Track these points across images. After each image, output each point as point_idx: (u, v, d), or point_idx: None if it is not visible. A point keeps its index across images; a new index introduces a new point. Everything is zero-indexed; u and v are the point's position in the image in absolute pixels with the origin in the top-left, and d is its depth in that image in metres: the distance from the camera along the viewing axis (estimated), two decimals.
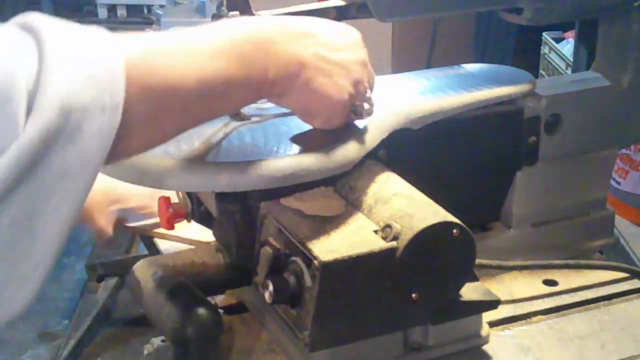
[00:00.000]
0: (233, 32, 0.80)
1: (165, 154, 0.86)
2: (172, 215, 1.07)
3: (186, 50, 0.75)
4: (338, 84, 0.87)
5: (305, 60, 0.85)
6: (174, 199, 1.08)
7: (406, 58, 3.01)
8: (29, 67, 0.62)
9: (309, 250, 0.84)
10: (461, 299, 0.92)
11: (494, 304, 0.95)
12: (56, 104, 0.62)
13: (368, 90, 0.92)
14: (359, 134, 0.93)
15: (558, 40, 2.83)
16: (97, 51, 0.66)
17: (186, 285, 0.94)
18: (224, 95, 0.79)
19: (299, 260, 0.86)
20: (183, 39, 0.76)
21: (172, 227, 1.09)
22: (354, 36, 0.91)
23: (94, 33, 0.68)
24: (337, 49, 0.88)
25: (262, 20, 0.84)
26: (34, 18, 0.66)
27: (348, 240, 0.86)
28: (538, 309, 1.06)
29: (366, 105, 0.92)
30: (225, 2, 0.96)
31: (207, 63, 0.76)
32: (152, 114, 0.71)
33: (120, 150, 0.69)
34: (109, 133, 0.65)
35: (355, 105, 0.91)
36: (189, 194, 1.07)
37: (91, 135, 0.64)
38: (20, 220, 0.63)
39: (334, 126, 0.91)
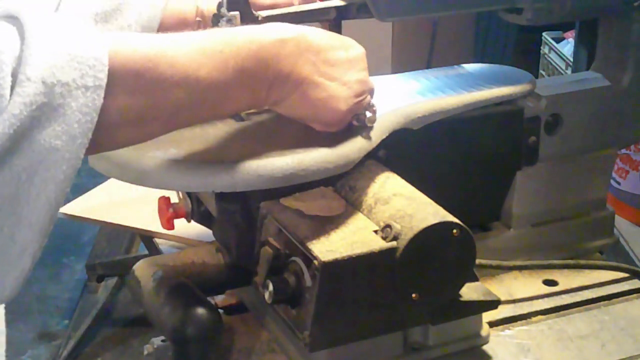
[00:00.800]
0: (236, 43, 0.79)
1: (165, 154, 0.86)
2: (172, 215, 1.07)
3: (183, 54, 0.75)
4: (337, 97, 0.87)
5: (306, 75, 0.84)
6: (174, 199, 1.08)
7: (406, 58, 3.00)
8: (11, 50, 0.63)
9: (309, 250, 0.84)
10: (461, 299, 0.92)
11: (494, 304, 0.95)
12: (38, 78, 0.62)
13: (369, 98, 0.92)
14: (358, 135, 0.93)
15: (558, 40, 2.83)
16: (79, 37, 0.66)
17: (186, 285, 0.94)
18: (216, 104, 0.79)
19: (299, 260, 0.86)
20: (184, 42, 0.76)
21: (172, 227, 1.09)
22: (357, 52, 0.90)
23: (78, 24, 0.68)
24: (338, 64, 0.87)
25: (266, 31, 0.83)
26: (16, 7, 0.66)
27: (348, 240, 0.86)
28: (538, 309, 1.06)
29: (368, 114, 0.92)
30: (225, 3, 0.96)
31: (204, 72, 0.75)
32: (139, 110, 0.71)
33: (105, 140, 0.69)
34: (92, 112, 0.65)
35: (357, 114, 0.91)
36: (189, 194, 1.07)
37: (75, 111, 0.64)
38: (4, 200, 0.62)
39: (333, 131, 0.91)
